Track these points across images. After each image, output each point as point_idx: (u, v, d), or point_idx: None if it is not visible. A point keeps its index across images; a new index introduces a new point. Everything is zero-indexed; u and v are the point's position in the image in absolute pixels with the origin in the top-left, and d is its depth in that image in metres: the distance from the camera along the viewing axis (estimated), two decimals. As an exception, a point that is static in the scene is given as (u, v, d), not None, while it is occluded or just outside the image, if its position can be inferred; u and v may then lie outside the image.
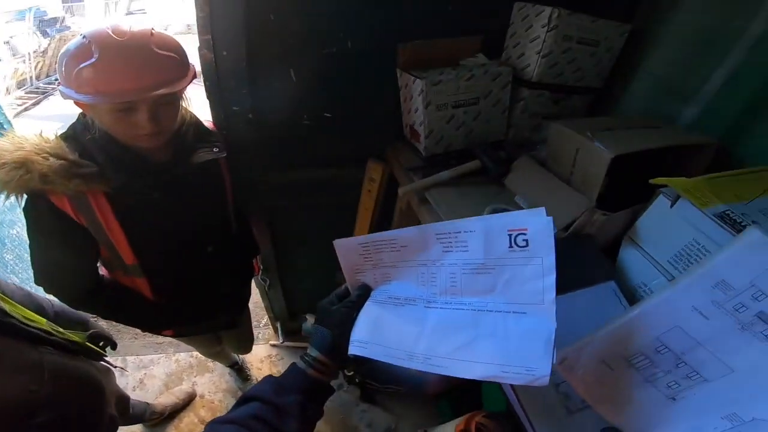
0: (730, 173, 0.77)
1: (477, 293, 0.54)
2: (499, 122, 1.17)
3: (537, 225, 0.49)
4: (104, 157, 0.89)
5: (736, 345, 0.50)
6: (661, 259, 0.75)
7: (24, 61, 6.53)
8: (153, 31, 0.83)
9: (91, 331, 1.11)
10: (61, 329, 0.99)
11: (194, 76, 0.92)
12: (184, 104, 0.98)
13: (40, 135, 0.89)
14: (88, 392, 1.00)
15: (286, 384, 0.63)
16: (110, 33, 0.78)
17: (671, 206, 0.72)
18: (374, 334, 0.60)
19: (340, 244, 0.65)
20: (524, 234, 0.49)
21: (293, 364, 0.66)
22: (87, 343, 1.05)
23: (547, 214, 0.49)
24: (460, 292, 0.56)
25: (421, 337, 0.55)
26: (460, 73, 1.04)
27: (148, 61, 0.81)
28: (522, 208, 0.92)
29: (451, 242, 0.54)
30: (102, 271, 1.11)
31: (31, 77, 6.64)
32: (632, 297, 0.79)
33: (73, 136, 0.91)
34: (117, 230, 0.96)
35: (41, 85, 6.74)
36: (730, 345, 0.50)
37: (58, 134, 0.91)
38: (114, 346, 1.22)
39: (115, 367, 1.22)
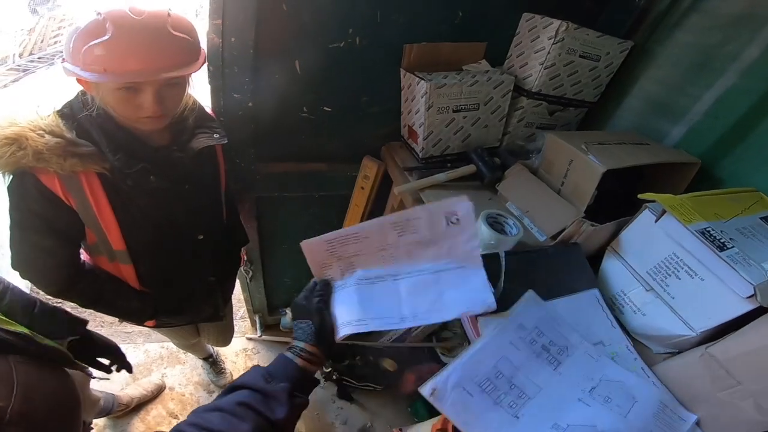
0: (711, 193, 0.82)
1: (429, 260, 0.72)
2: (496, 129, 1.20)
3: (464, 209, 0.68)
4: (102, 137, 0.85)
5: (536, 368, 0.71)
6: (640, 270, 0.79)
7: (7, 39, 6.26)
8: (170, 12, 0.80)
9: (70, 338, 1.00)
10: (42, 338, 0.88)
11: (204, 61, 0.90)
12: (188, 88, 0.95)
13: (36, 111, 0.85)
14: (63, 410, 0.89)
15: (274, 372, 0.64)
16: (127, 11, 0.75)
17: (656, 221, 0.76)
18: (366, 311, 0.70)
19: (308, 243, 0.73)
20: (456, 215, 0.69)
21: (281, 355, 0.67)
22: (66, 352, 0.94)
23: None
24: (417, 262, 0.72)
25: (402, 302, 0.71)
26: (464, 78, 1.07)
27: (162, 42, 0.79)
28: (514, 215, 0.95)
29: (404, 228, 0.70)
30: (83, 256, 1.07)
31: (13, 54, 6.38)
32: (612, 304, 0.83)
33: (70, 114, 0.87)
34: (108, 214, 0.93)
35: (23, 62, 6.48)
36: (533, 369, 0.70)
37: (55, 111, 0.88)
38: (129, 369, 1.15)
39: (93, 377, 1.13)
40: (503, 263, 0.74)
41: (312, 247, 0.73)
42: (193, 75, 0.90)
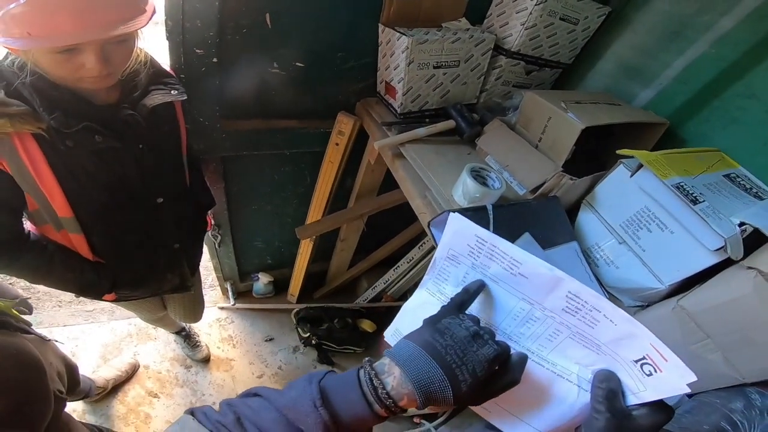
0: (679, 151, 0.86)
1: (567, 358, 0.53)
2: (474, 86, 1.20)
3: (673, 376, 0.44)
4: (36, 96, 0.76)
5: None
6: (613, 222, 0.83)
7: None
8: None
9: (20, 298, 0.96)
10: None
11: (154, 12, 0.80)
12: (138, 42, 0.85)
13: None
14: (25, 373, 0.84)
15: (334, 404, 0.45)
16: None
17: (631, 176, 0.79)
18: None
19: (458, 220, 0.54)
20: (656, 370, 0.46)
21: (355, 384, 0.46)
22: (15, 312, 0.90)
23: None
24: (551, 349, 0.53)
25: None
26: (446, 35, 1.04)
27: None
28: (493, 168, 0.96)
29: (579, 310, 0.49)
30: (28, 226, 0.97)
31: None
32: (588, 257, 0.87)
33: None
34: (49, 178, 0.84)
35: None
36: None
37: None
38: (30, 309, 1.06)
39: (47, 339, 1.07)
40: (491, 216, 0.74)
41: (459, 228, 0.54)
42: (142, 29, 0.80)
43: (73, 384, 1.28)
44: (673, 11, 1.04)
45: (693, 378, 0.43)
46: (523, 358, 0.50)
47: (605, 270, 0.84)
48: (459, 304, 0.52)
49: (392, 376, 0.45)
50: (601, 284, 0.84)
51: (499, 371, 0.48)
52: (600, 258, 0.85)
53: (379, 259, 2.04)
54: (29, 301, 1.10)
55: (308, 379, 0.46)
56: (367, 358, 0.49)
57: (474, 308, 0.56)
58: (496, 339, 0.49)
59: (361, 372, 0.47)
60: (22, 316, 0.97)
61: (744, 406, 0.64)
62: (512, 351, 0.50)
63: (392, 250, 1.98)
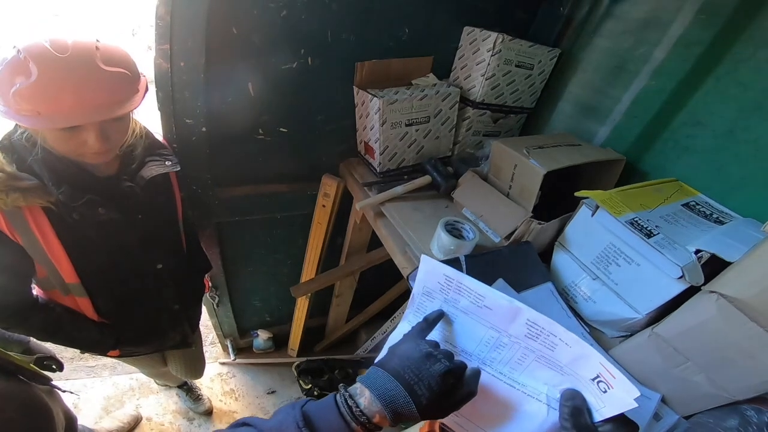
0: (636, 185, 0.92)
1: (536, 379, 0.59)
2: (447, 139, 1.27)
3: (622, 392, 0.50)
4: (45, 170, 0.82)
5: None
6: (585, 260, 0.87)
7: None
8: (98, 44, 0.75)
9: (38, 355, 1.02)
10: (1, 349, 0.91)
11: (146, 90, 0.88)
12: (133, 116, 0.93)
13: None
14: (37, 421, 0.89)
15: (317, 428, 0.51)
16: (49, 48, 0.70)
17: (592, 215, 0.84)
18: None
19: (427, 262, 0.63)
20: (609, 387, 0.52)
21: (333, 407, 0.52)
22: (32, 366, 0.97)
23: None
24: (521, 372, 0.60)
25: None
26: (414, 93, 1.13)
27: (94, 81, 0.74)
28: (470, 220, 1.02)
29: (539, 335, 0.56)
30: (36, 291, 1.02)
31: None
32: (566, 295, 0.91)
33: (9, 146, 0.84)
34: (57, 248, 0.90)
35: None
36: None
37: None
38: (60, 367, 1.11)
39: (63, 390, 1.12)
40: (464, 267, 0.79)
41: (428, 269, 0.63)
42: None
43: None
44: (614, 47, 1.11)
45: (637, 393, 0.49)
46: (476, 372, 0.58)
47: (584, 305, 0.88)
48: (418, 331, 0.60)
49: (363, 397, 0.52)
50: (581, 319, 0.88)
51: (456, 385, 0.55)
52: (578, 295, 0.89)
53: (375, 312, 2.07)
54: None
55: (292, 405, 0.53)
56: (341, 384, 0.56)
57: (450, 337, 0.63)
58: (454, 359, 0.56)
59: (338, 396, 0.53)
60: (44, 371, 1.01)
61: (739, 424, 0.64)
62: (468, 367, 0.57)
63: (387, 302, 2.01)
